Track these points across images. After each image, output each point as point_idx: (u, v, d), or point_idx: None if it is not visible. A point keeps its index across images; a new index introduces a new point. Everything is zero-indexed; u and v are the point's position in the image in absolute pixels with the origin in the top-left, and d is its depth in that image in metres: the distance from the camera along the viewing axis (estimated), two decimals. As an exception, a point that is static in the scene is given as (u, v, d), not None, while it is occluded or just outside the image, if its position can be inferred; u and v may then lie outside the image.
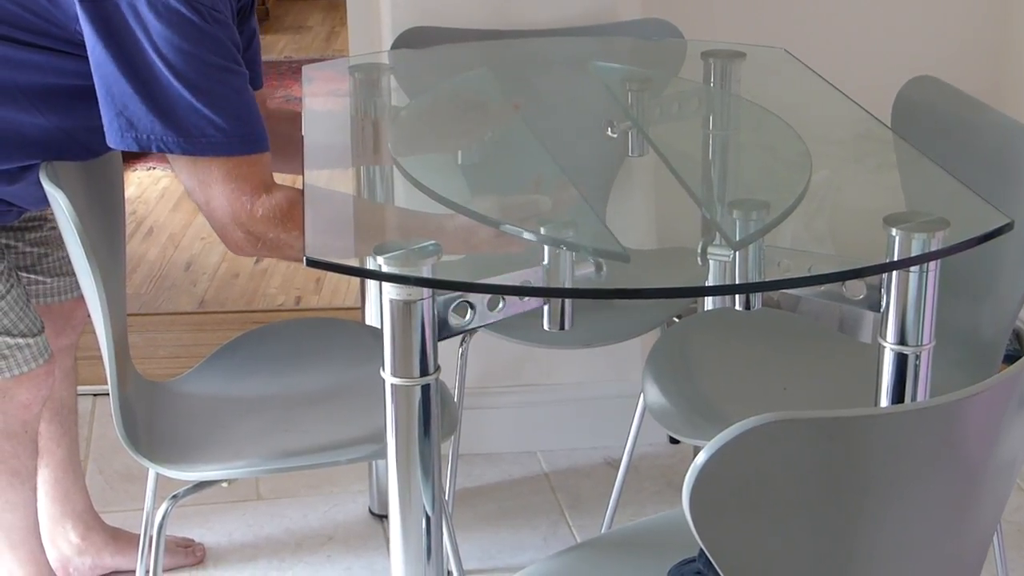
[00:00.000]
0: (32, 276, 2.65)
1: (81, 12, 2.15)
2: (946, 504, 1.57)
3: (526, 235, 2.02)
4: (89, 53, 2.17)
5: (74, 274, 2.64)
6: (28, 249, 2.64)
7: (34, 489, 2.67)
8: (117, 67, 2.15)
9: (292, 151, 2.45)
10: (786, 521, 1.52)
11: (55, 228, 2.68)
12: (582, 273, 1.98)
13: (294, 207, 2.19)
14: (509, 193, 2.31)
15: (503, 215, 2.13)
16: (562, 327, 2.01)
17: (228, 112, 2.17)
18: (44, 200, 2.35)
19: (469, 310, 1.98)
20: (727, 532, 1.49)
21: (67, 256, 2.65)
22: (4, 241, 2.59)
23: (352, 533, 3.15)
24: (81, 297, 2.69)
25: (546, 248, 1.97)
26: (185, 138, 2.16)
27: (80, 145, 2.31)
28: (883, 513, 1.52)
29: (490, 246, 2.14)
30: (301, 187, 2.26)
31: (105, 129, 2.19)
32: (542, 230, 2.00)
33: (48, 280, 2.67)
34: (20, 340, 2.48)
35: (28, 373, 2.51)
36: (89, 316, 2.74)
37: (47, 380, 2.56)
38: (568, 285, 1.98)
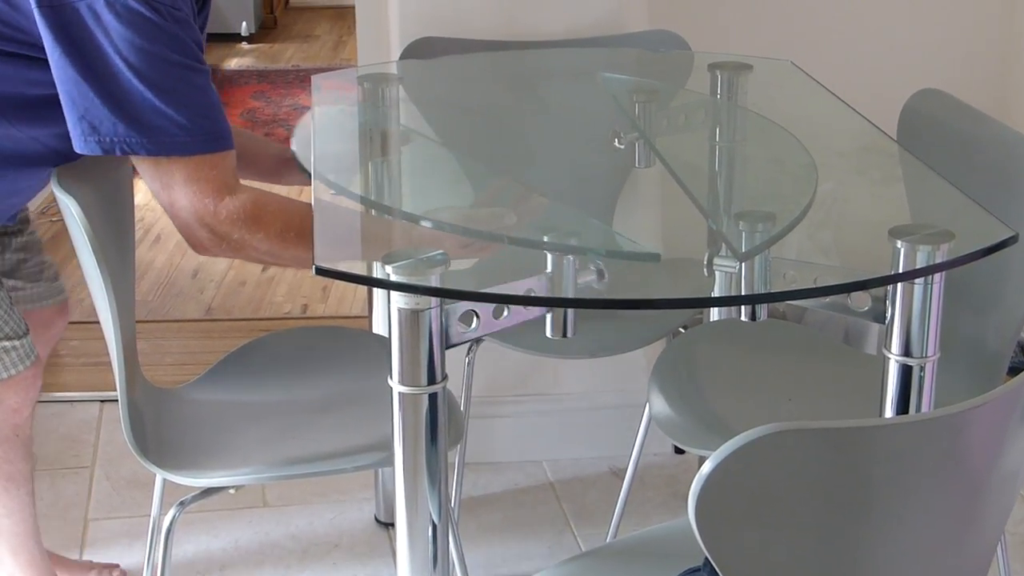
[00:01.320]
0: (11, 281, 2.64)
1: (40, 17, 2.13)
2: (950, 515, 1.57)
3: (547, 245, 2.01)
4: (49, 58, 2.15)
5: (52, 279, 2.67)
6: (9, 255, 2.64)
7: (30, 493, 2.67)
8: (77, 71, 2.13)
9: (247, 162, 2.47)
10: (791, 531, 1.53)
11: (34, 233, 2.70)
12: (584, 281, 1.99)
13: (259, 208, 2.18)
14: (475, 205, 2.32)
15: (469, 224, 2.16)
16: (564, 334, 2.02)
17: (191, 111, 2.15)
18: (16, 208, 2.37)
19: (475, 319, 1.99)
20: (732, 542, 1.50)
21: (46, 261, 2.67)
22: (8, 242, 2.59)
23: (358, 541, 3.15)
24: (60, 306, 2.71)
25: (548, 256, 1.97)
26: (148, 139, 2.13)
27: (54, 152, 2.30)
28: (887, 524, 1.53)
29: (459, 254, 2.14)
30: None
31: (70, 135, 2.18)
32: (545, 238, 2.01)
33: (27, 286, 2.67)
34: (6, 343, 2.48)
35: (15, 376, 2.51)
36: (64, 330, 2.75)
37: (35, 383, 2.56)
38: (571, 294, 1.99)
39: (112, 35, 2.11)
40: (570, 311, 2.02)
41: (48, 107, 2.21)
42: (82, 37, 2.12)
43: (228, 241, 2.19)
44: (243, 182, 2.26)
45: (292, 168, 2.57)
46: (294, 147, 2.63)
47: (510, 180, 2.41)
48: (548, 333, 2.04)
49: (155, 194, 2.21)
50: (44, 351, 2.77)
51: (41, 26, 2.13)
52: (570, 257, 1.98)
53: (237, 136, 2.43)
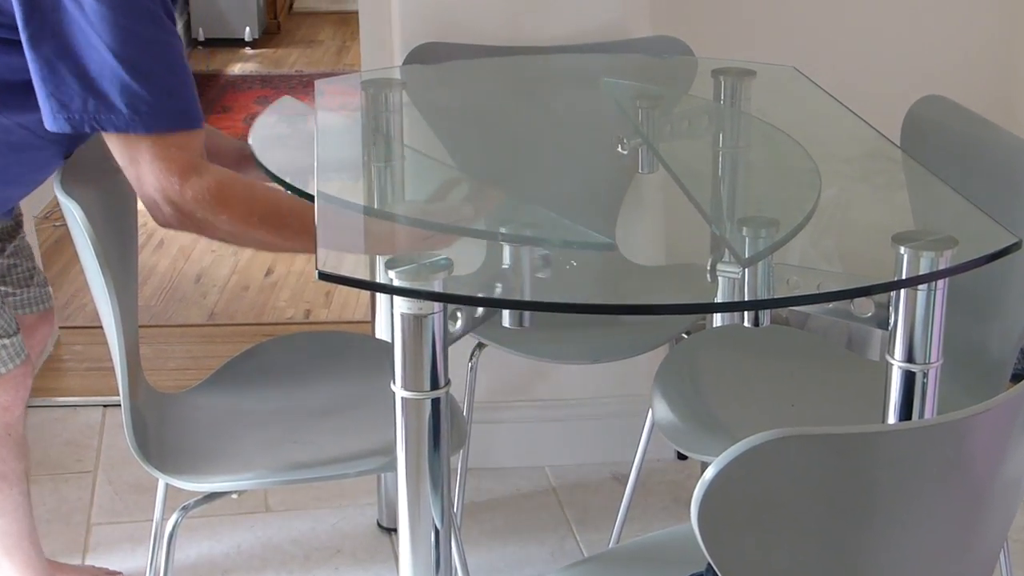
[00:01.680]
0: (2, 288, 2.64)
1: None
2: (953, 521, 1.57)
3: (503, 236, 2.07)
4: (21, 35, 2.14)
5: (40, 285, 2.66)
6: (1, 260, 2.64)
7: (24, 494, 2.67)
8: (50, 48, 2.12)
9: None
10: (794, 537, 1.53)
11: (24, 237, 2.69)
12: (538, 273, 2.01)
13: (224, 190, 2.18)
14: (433, 199, 2.34)
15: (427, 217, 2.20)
16: (521, 324, 2.02)
17: (161, 87, 2.14)
18: (12, 202, 2.37)
19: (459, 318, 2.00)
20: (735, 547, 1.50)
21: (35, 267, 2.67)
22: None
23: (360, 546, 3.15)
24: (46, 313, 2.71)
25: (506, 249, 1.98)
26: (116, 115, 2.12)
27: (42, 139, 2.29)
28: (890, 530, 1.52)
29: (419, 247, 2.19)
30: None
31: (41, 113, 2.17)
32: (502, 230, 2.03)
33: (17, 291, 2.66)
34: None
35: (6, 375, 2.51)
36: (49, 338, 2.75)
37: (25, 381, 2.56)
38: (528, 287, 2.00)
39: (86, 10, 2.10)
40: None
41: (33, 93, 2.20)
42: (55, 13, 2.11)
43: (192, 220, 2.19)
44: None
45: (250, 163, 2.57)
46: (251, 141, 2.64)
47: (465, 175, 2.43)
48: (505, 323, 2.04)
49: (123, 169, 2.20)
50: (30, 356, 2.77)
51: (15, 3, 2.13)
52: (527, 249, 1.98)
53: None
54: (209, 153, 2.40)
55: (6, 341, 2.51)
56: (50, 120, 2.15)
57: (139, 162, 2.16)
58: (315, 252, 2.20)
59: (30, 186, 2.47)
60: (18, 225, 2.66)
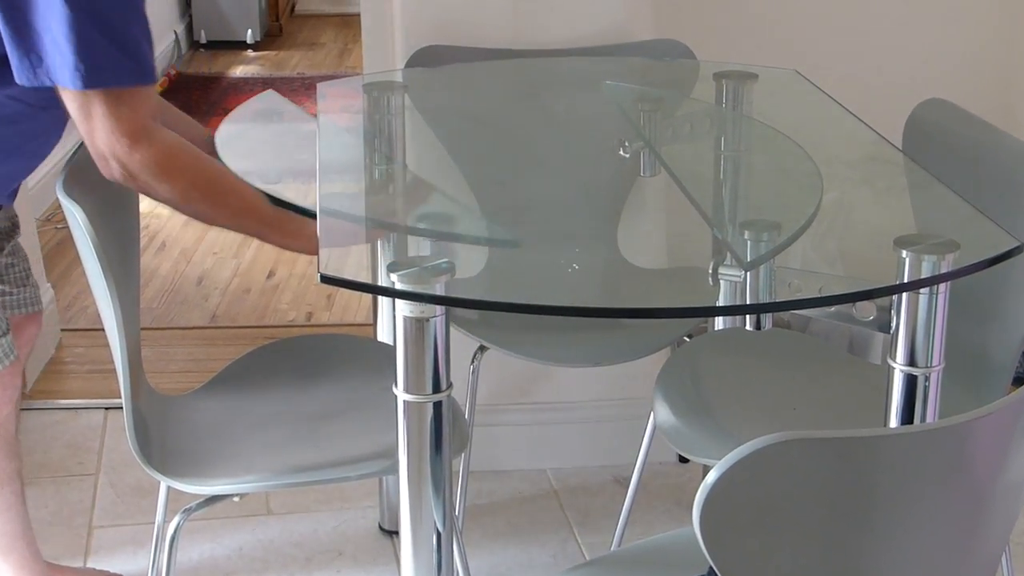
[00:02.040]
0: (1, 286, 2.65)
1: None
2: (954, 525, 1.57)
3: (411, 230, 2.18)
4: None
5: (33, 287, 2.67)
6: (3, 259, 2.64)
7: (17, 493, 2.66)
8: (8, 2, 2.13)
9: None
10: (795, 540, 1.53)
11: (21, 236, 2.70)
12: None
13: (171, 160, 2.21)
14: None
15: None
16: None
17: (115, 42, 2.14)
18: (14, 182, 2.43)
19: None
20: (737, 550, 1.50)
21: (29, 268, 2.67)
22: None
23: (362, 549, 3.15)
24: (36, 315, 2.71)
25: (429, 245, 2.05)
26: (70, 69, 2.12)
27: (30, 107, 2.31)
28: (892, 533, 1.53)
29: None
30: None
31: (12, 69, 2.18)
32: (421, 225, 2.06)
33: (14, 291, 2.66)
34: None
35: None
36: (36, 339, 2.75)
37: (14, 381, 2.56)
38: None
39: None
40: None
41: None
42: None
43: (135, 181, 2.21)
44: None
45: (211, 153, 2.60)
46: (217, 138, 2.65)
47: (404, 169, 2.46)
48: None
49: (77, 124, 2.20)
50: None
51: None
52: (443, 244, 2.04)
53: (167, 111, 2.52)
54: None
55: (4, 340, 2.51)
56: (17, 74, 2.17)
57: (91, 117, 2.16)
58: (250, 233, 2.32)
59: (32, 158, 2.46)
60: (15, 226, 2.66)
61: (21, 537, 2.70)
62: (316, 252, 2.11)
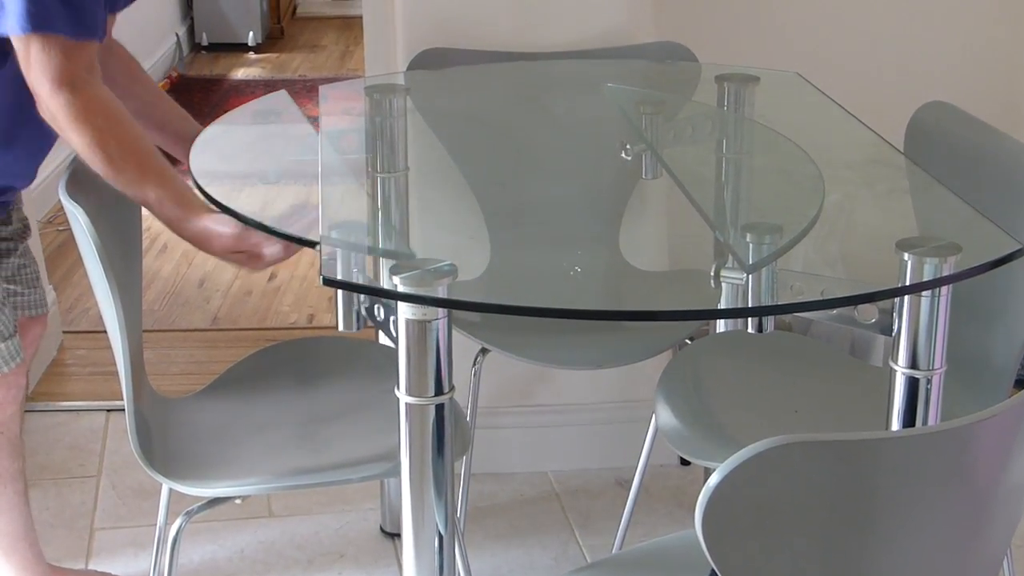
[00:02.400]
0: (12, 287, 2.64)
1: None
2: (956, 528, 1.58)
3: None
4: None
5: (42, 289, 2.68)
6: (15, 259, 2.64)
7: (20, 493, 2.66)
8: None
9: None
10: (797, 542, 1.53)
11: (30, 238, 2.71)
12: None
13: (88, 113, 2.25)
14: None
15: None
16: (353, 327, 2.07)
17: None
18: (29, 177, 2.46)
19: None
20: (739, 553, 1.50)
21: (38, 270, 2.68)
22: (12, 248, 2.59)
23: (363, 551, 3.15)
24: (43, 317, 2.72)
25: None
26: (16, 17, 2.20)
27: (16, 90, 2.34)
28: (893, 536, 1.53)
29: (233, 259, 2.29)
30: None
31: None
32: (333, 234, 2.08)
33: (26, 291, 2.67)
34: None
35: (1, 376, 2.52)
36: (40, 339, 2.75)
37: (18, 381, 2.57)
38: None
39: None
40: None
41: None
42: None
43: (55, 123, 2.27)
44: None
45: (181, 144, 2.65)
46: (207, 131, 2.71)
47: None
48: (340, 327, 2.08)
49: (22, 70, 2.27)
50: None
51: None
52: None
53: (160, 100, 2.65)
54: (154, 121, 2.54)
55: (8, 343, 2.51)
56: None
57: (29, 59, 2.24)
58: (149, 205, 2.30)
59: (35, 154, 2.53)
60: (26, 228, 2.67)
61: (24, 538, 2.70)
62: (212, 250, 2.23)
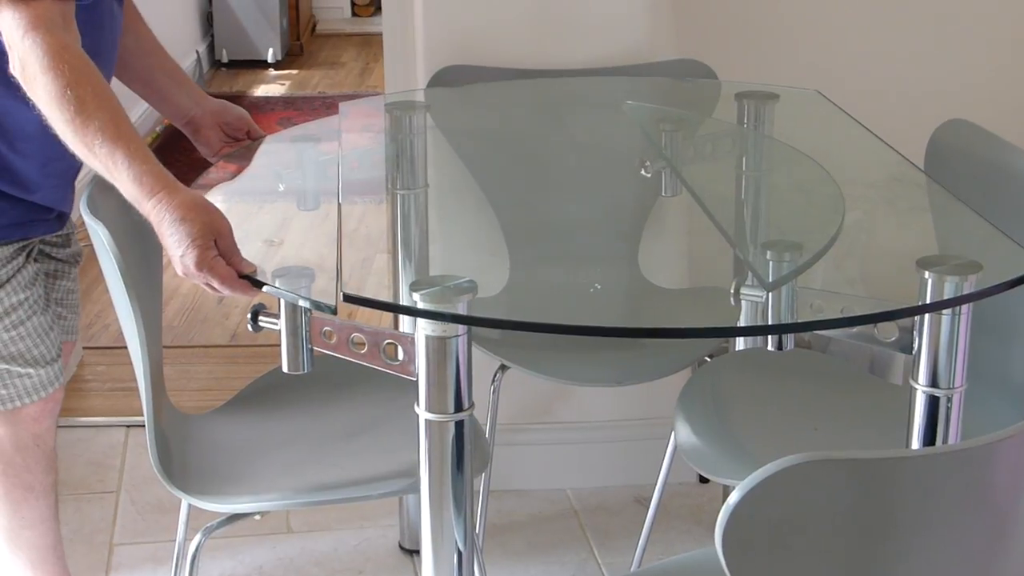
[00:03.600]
0: (60, 310, 2.63)
1: None
2: (977, 547, 1.57)
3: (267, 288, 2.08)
4: None
5: (79, 314, 2.67)
6: (67, 282, 2.64)
7: (51, 507, 2.67)
8: None
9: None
10: (817, 561, 1.53)
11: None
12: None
13: (64, 54, 2.11)
14: None
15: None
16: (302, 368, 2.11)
17: None
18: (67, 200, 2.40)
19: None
20: (759, 571, 1.50)
21: (79, 297, 2.68)
22: (52, 267, 2.59)
23: (382, 567, 3.15)
24: (75, 343, 2.72)
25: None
26: None
27: None
28: (913, 555, 1.52)
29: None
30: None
31: None
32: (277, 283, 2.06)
33: (69, 317, 2.67)
34: (31, 370, 2.49)
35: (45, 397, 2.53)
36: (68, 362, 2.75)
37: (56, 396, 2.56)
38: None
39: None
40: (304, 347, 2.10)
41: None
42: None
43: (24, 74, 2.14)
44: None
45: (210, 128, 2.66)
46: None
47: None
48: (285, 368, 2.10)
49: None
50: None
51: None
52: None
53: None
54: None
55: (54, 366, 2.52)
56: None
57: (3, 23, 2.14)
58: (107, 167, 2.11)
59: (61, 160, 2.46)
60: (80, 254, 2.65)
61: (53, 551, 2.70)
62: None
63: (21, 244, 2.46)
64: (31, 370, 2.49)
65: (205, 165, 2.72)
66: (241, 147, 2.74)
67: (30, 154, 2.38)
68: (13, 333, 2.46)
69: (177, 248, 2.09)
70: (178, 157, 2.67)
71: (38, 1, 2.13)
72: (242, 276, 2.10)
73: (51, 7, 2.15)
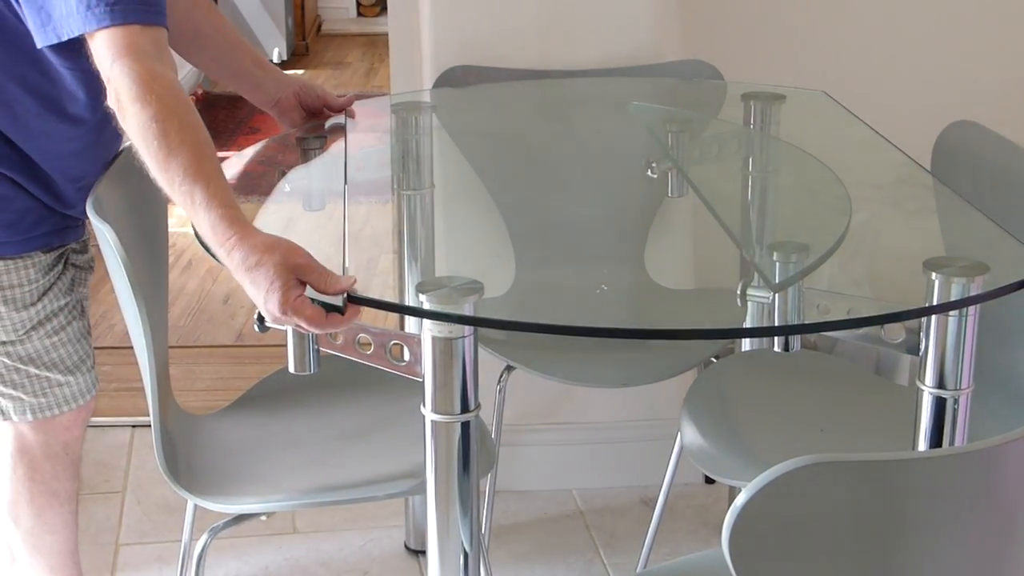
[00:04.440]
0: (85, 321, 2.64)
1: None
2: (984, 549, 1.57)
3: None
4: None
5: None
6: (84, 291, 2.63)
7: (73, 512, 2.68)
8: None
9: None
10: (824, 563, 1.52)
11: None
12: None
13: (155, 83, 2.05)
14: None
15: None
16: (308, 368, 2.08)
17: None
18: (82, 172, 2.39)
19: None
20: (766, 572, 1.50)
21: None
22: (72, 275, 2.58)
23: (387, 568, 3.15)
24: None
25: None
26: (73, 17, 2.08)
27: (29, 92, 2.28)
28: (921, 557, 1.52)
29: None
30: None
31: (33, 33, 2.15)
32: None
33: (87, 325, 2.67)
34: (70, 378, 2.49)
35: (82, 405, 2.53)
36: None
37: (91, 403, 2.57)
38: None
39: None
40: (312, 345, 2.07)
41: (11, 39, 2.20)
42: None
43: (117, 102, 2.07)
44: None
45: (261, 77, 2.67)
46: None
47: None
48: (291, 369, 2.07)
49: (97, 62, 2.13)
50: None
51: None
52: None
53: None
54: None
55: (91, 375, 2.53)
56: (40, 36, 2.15)
57: (95, 52, 2.10)
58: (192, 206, 2.02)
59: (86, 157, 2.44)
60: (93, 259, 2.64)
61: (71, 556, 2.71)
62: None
63: (60, 252, 2.46)
64: (70, 378, 2.49)
65: (246, 122, 2.73)
66: (320, 120, 2.78)
67: (69, 175, 2.39)
68: (55, 339, 2.47)
69: (258, 295, 1.96)
70: (222, 115, 2.62)
71: (127, 27, 2.09)
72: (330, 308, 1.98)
73: (141, 34, 2.10)
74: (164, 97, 2.04)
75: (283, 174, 2.70)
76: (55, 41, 2.14)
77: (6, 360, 2.43)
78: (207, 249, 2.03)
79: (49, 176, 2.37)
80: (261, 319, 2.01)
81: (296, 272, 1.94)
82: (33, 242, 2.39)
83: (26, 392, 2.46)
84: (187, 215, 2.03)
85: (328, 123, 2.76)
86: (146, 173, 2.07)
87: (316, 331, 1.98)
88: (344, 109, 2.78)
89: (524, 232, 2.93)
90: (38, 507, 2.61)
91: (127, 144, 2.20)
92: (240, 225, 1.98)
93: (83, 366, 2.52)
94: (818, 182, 2.58)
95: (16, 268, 2.39)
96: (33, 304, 2.42)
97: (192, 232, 2.06)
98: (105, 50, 2.08)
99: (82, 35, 2.10)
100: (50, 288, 2.44)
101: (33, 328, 2.43)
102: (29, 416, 2.48)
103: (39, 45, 2.17)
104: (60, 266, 2.47)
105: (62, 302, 2.47)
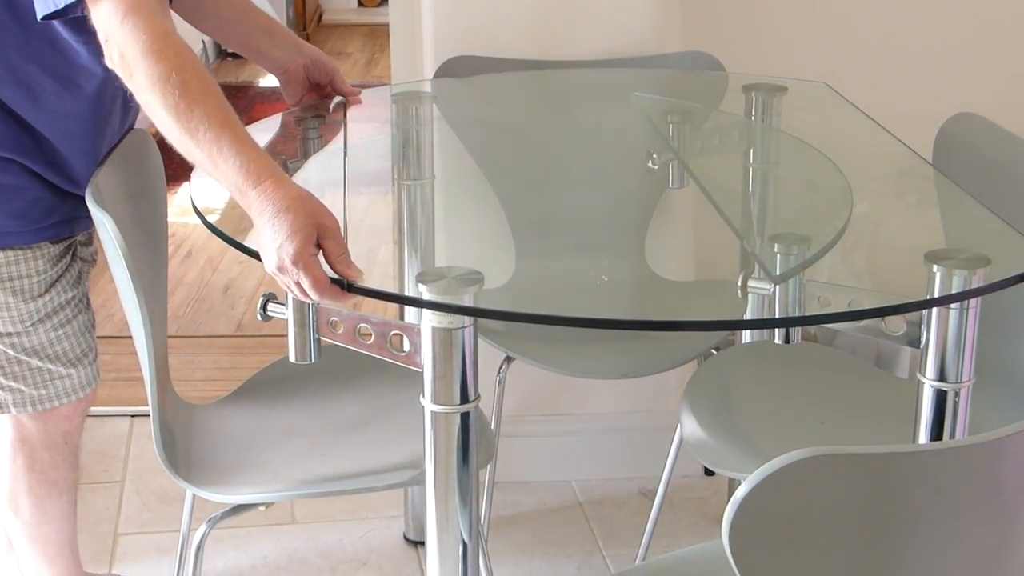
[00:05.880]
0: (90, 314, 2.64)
1: None
2: (986, 543, 1.57)
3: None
4: None
5: None
6: (88, 284, 2.63)
7: (72, 502, 2.68)
8: None
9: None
10: (824, 556, 1.52)
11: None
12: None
13: (165, 40, 2.02)
14: None
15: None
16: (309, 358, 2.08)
17: None
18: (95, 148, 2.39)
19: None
20: (765, 565, 1.49)
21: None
22: (78, 267, 2.58)
23: (387, 558, 3.15)
24: None
25: None
26: None
27: (45, 71, 2.27)
28: (922, 550, 1.52)
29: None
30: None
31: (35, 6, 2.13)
32: None
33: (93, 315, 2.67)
34: (72, 371, 2.49)
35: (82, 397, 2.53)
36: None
37: (91, 394, 2.57)
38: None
39: None
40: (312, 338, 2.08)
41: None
42: None
43: (123, 63, 2.03)
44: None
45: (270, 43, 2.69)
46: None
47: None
48: (292, 358, 2.08)
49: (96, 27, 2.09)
50: None
51: None
52: None
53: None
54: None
55: (93, 367, 2.53)
56: (41, 6, 2.12)
57: (99, 14, 2.06)
58: (214, 165, 1.99)
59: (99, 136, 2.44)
60: (96, 252, 2.63)
61: (68, 546, 2.71)
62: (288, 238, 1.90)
63: (68, 243, 2.46)
64: (72, 371, 2.49)
65: (245, 113, 2.73)
66: (320, 100, 2.77)
67: (82, 149, 2.38)
68: (60, 332, 2.47)
69: (275, 239, 1.91)
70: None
71: None
72: (334, 281, 1.95)
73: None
74: (182, 52, 2.02)
75: (283, 165, 2.69)
76: (53, 9, 2.11)
77: (9, 351, 2.43)
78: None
79: (65, 158, 2.37)
80: (265, 306, 2.01)
81: (321, 231, 1.93)
82: (43, 232, 2.39)
83: (26, 384, 2.46)
84: (206, 166, 2.00)
85: (333, 102, 2.74)
86: (146, 162, 2.07)
87: (314, 296, 1.95)
88: (348, 95, 2.76)
89: (524, 223, 2.93)
90: (37, 497, 2.61)
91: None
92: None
93: (85, 359, 2.52)
94: (819, 174, 2.58)
95: (25, 258, 2.38)
96: (41, 295, 2.41)
97: (191, 222, 2.05)
98: (113, 10, 2.03)
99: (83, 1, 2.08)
100: (58, 280, 2.44)
101: (40, 320, 2.43)
102: (29, 408, 2.48)
103: (39, 15, 2.13)
104: (68, 258, 2.47)
105: (69, 295, 2.47)
